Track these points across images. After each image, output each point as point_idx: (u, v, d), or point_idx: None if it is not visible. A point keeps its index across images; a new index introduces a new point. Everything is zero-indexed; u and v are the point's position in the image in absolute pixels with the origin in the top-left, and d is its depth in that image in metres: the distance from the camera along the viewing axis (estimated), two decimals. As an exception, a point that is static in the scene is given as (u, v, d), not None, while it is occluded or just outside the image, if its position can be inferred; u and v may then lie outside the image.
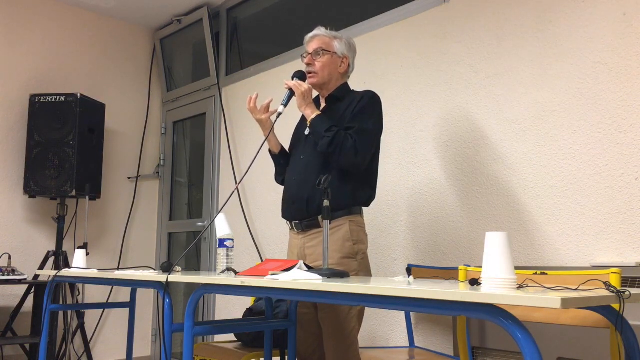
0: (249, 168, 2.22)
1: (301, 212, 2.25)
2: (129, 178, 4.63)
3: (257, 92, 2.43)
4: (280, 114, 2.23)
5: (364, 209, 2.31)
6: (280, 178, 2.48)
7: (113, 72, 4.62)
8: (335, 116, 2.25)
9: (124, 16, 4.63)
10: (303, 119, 2.42)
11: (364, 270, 2.22)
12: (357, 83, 3.21)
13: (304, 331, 2.32)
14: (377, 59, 3.18)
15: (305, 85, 2.23)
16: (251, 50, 4.28)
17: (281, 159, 2.44)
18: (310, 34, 2.37)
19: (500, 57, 2.62)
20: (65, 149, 3.81)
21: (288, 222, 2.35)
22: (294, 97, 2.25)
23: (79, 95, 3.88)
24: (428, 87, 2.90)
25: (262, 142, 2.33)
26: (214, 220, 2.06)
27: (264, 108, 2.34)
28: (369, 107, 2.24)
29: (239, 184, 2.11)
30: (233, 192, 2.20)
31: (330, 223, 2.17)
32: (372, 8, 3.29)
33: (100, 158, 4.06)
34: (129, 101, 4.70)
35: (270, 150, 2.44)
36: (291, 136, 2.51)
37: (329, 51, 2.32)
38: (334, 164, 2.17)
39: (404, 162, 2.96)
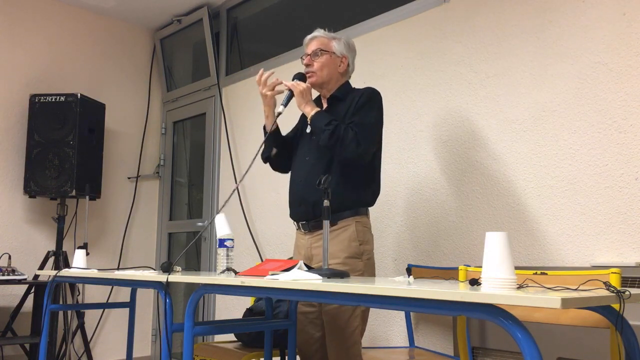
0: (250, 166, 2.22)
1: (307, 213, 2.26)
2: (129, 178, 4.63)
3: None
4: (279, 114, 2.23)
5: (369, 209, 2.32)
6: (264, 155, 2.44)
7: (113, 72, 4.62)
8: (337, 115, 2.25)
9: (124, 16, 4.63)
10: (303, 118, 2.42)
11: (369, 271, 2.23)
12: (357, 83, 3.20)
13: (306, 331, 2.32)
14: (377, 59, 3.18)
15: (303, 84, 2.24)
16: (251, 50, 4.28)
17: (271, 137, 2.39)
18: (309, 36, 2.38)
19: (500, 57, 2.62)
20: (65, 149, 3.81)
21: (295, 222, 2.35)
22: (293, 98, 2.26)
23: (79, 95, 3.87)
24: (428, 87, 2.90)
25: (262, 142, 2.33)
26: (212, 220, 2.07)
27: (272, 85, 2.32)
28: (369, 101, 2.25)
29: (239, 183, 2.11)
30: (233, 191, 2.20)
31: (337, 223, 2.18)
32: (372, 8, 3.29)
33: (100, 158, 4.06)
34: (129, 101, 4.70)
35: (264, 127, 2.39)
36: (291, 133, 2.52)
37: (327, 51, 2.33)
38: (337, 157, 2.17)
39: (404, 161, 2.96)
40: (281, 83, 2.35)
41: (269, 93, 2.33)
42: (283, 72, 3.75)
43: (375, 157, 2.28)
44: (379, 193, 2.32)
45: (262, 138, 3.82)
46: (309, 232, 2.28)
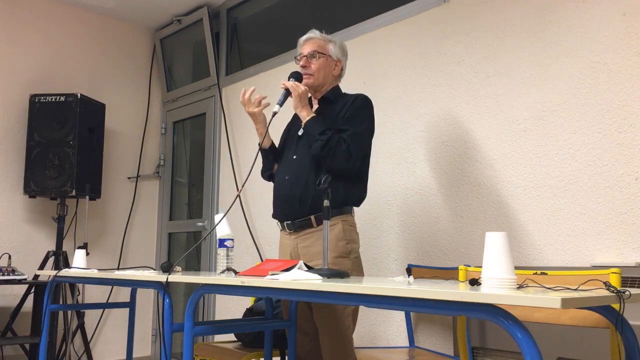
0: (249, 173, 2.22)
1: (293, 211, 2.25)
2: (129, 178, 4.63)
3: (257, 92, 2.43)
4: (275, 113, 2.23)
5: (357, 209, 2.32)
6: (266, 174, 2.48)
7: (113, 72, 4.62)
8: (328, 118, 2.26)
9: (124, 16, 4.63)
10: (295, 118, 2.42)
11: (357, 270, 2.23)
12: (357, 83, 3.21)
13: (299, 332, 2.33)
14: (377, 59, 3.18)
15: (302, 87, 2.25)
16: (251, 50, 4.28)
17: (270, 154, 2.44)
18: (305, 37, 2.38)
19: (500, 57, 2.62)
20: (65, 149, 3.81)
21: (279, 223, 2.35)
22: (289, 98, 2.26)
23: (79, 95, 3.87)
24: (428, 87, 2.90)
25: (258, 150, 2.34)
26: (216, 225, 2.07)
27: (257, 101, 2.34)
28: (363, 110, 2.26)
29: (240, 190, 2.11)
30: (235, 199, 2.20)
31: (323, 222, 2.17)
32: (372, 8, 3.28)
33: (100, 158, 4.06)
34: (129, 101, 4.70)
35: (259, 144, 2.43)
36: (281, 135, 2.52)
37: (325, 54, 2.33)
38: (325, 166, 2.18)
39: (404, 161, 2.96)
40: (265, 97, 2.38)
41: (256, 110, 2.34)
42: (282, 72, 3.75)
43: (364, 160, 2.29)
44: (365, 194, 2.33)
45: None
46: (294, 231, 2.27)
